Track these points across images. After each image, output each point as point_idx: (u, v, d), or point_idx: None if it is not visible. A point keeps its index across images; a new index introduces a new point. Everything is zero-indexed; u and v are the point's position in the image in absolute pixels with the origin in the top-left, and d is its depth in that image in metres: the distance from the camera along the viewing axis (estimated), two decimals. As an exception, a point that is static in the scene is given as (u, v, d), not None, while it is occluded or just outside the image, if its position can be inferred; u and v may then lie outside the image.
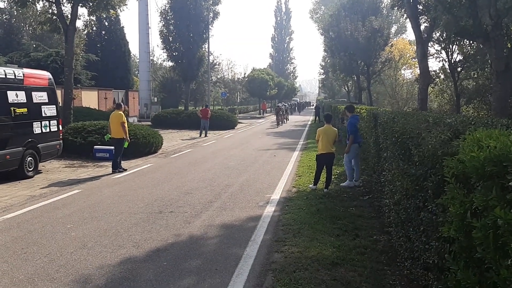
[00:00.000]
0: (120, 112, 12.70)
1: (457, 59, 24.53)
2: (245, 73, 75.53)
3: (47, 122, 12.64)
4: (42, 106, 12.51)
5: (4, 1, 41.79)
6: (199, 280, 5.14)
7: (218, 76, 67.45)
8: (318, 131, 10.13)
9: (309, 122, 40.89)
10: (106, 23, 43.62)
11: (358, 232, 6.85)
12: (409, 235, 5.04)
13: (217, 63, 56.71)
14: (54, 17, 18.85)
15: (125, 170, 12.80)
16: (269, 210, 8.38)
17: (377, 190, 8.50)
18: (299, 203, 8.76)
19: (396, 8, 21.70)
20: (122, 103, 13.99)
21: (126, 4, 20.08)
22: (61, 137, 13.56)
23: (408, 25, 38.44)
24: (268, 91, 64.56)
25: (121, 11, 21.10)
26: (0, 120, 10.91)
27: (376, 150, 8.39)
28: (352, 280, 5.01)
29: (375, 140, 8.36)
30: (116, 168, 12.57)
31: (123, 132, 12.44)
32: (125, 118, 12.79)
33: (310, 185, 10.22)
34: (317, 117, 40.32)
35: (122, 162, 13.02)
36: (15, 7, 40.38)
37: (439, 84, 27.96)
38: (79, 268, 5.47)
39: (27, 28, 43.55)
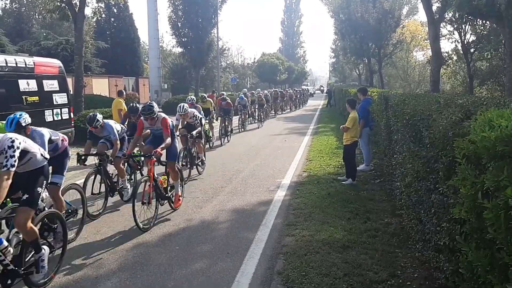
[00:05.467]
0: (119, 99, 12.86)
1: (470, 40, 24.11)
2: (254, 58, 75.19)
3: (58, 110, 12.74)
4: (53, 94, 12.59)
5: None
6: (211, 263, 5.19)
7: (228, 62, 67.24)
8: (352, 118, 9.23)
9: (320, 107, 40.66)
10: (115, 10, 43.66)
11: (369, 215, 6.83)
12: (420, 217, 5.03)
13: (227, 49, 56.50)
14: (63, 4, 18.87)
15: None
16: (280, 194, 8.39)
17: (388, 173, 8.45)
18: (310, 187, 8.75)
19: (407, -11, 21.32)
20: (123, 91, 14.03)
21: (134, -10, 20.05)
22: (72, 124, 13.66)
23: (420, 6, 37.75)
24: (278, 76, 64.31)
25: (129, -3, 21.04)
26: (12, 109, 11.00)
27: (387, 133, 8.32)
28: (363, 262, 5.02)
29: (386, 123, 8.28)
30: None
31: (119, 119, 12.42)
32: (124, 105, 12.83)
33: (347, 181, 9.09)
34: (329, 102, 39.78)
35: None
36: (24, -4, 40.61)
37: (451, 65, 27.55)
38: (92, 254, 5.56)
39: (37, 16, 43.68)
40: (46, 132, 5.38)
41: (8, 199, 4.56)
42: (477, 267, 2.69)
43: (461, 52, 24.57)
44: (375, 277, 4.62)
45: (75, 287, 4.68)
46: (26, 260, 4.53)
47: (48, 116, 12.29)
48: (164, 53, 57.17)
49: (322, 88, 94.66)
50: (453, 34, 25.30)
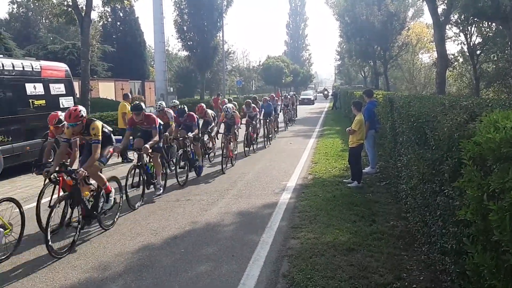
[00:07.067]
0: (124, 103, 12.89)
1: (476, 42, 23.99)
2: (260, 61, 75.14)
3: (65, 114, 12.80)
4: (59, 98, 12.69)
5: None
6: (216, 266, 5.19)
7: (233, 65, 67.24)
8: (358, 120, 9.10)
9: (326, 109, 40.61)
10: (121, 14, 43.88)
11: (375, 218, 6.81)
12: (426, 220, 5.01)
13: (232, 52, 56.48)
14: (69, 8, 19.00)
15: (132, 160, 12.57)
16: (285, 197, 8.38)
17: (394, 175, 8.43)
18: (315, 190, 8.74)
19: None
20: (129, 94, 14.05)
21: (140, -6, 20.24)
22: (79, 127, 13.71)
23: (425, 8, 37.66)
24: (284, 79, 64.30)
25: (135, 1, 21.20)
26: (19, 112, 11.10)
27: (392, 135, 8.31)
28: (369, 265, 5.00)
29: (391, 125, 8.27)
30: (125, 158, 12.48)
31: (123, 122, 12.51)
32: (129, 109, 12.81)
33: (352, 184, 9.02)
34: (334, 105, 39.62)
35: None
36: (31, 0, 40.93)
37: (457, 67, 27.42)
38: (98, 256, 5.58)
39: (44, 21, 44.03)
40: None
41: None
42: (483, 270, 2.68)
43: (467, 54, 24.46)
44: (381, 280, 4.61)
45: (81, 289, 4.70)
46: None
47: (55, 119, 12.35)
48: (170, 56, 57.30)
49: (326, 92, 72.75)
50: (459, 36, 25.19)
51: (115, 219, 6.92)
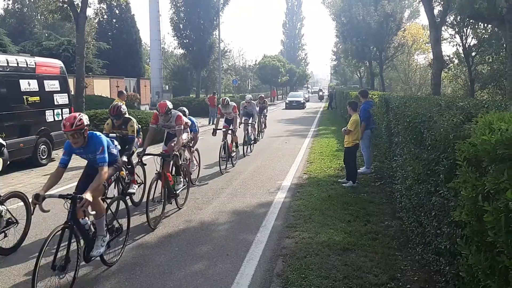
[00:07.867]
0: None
1: (472, 44, 24.06)
2: (256, 60, 74.92)
3: (59, 111, 12.75)
4: (54, 95, 12.61)
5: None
6: (210, 265, 5.18)
7: (229, 64, 67.16)
8: (354, 121, 9.16)
9: (321, 109, 40.66)
10: (117, 11, 43.68)
11: (370, 218, 6.82)
12: (421, 220, 5.01)
13: (228, 50, 56.34)
14: (65, 5, 18.90)
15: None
16: (280, 196, 8.38)
17: (389, 175, 8.44)
18: (310, 190, 8.74)
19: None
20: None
21: (136, -9, 20.19)
22: (73, 125, 13.64)
23: (421, 9, 37.65)
24: (280, 78, 64.21)
25: (131, -1, 21.08)
26: (13, 109, 11.03)
27: (387, 136, 8.31)
28: (363, 265, 5.00)
29: (387, 126, 8.28)
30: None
31: None
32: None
33: (347, 184, 9.03)
34: (330, 105, 39.76)
35: None
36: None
37: (453, 69, 27.48)
38: (92, 254, 5.53)
39: (39, 17, 43.77)
40: None
41: None
42: (478, 271, 2.68)
43: (463, 55, 24.53)
44: (375, 280, 4.61)
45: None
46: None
47: (49, 116, 12.30)
48: (165, 54, 57.16)
49: (321, 92, 69.37)
50: (455, 37, 25.25)
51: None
